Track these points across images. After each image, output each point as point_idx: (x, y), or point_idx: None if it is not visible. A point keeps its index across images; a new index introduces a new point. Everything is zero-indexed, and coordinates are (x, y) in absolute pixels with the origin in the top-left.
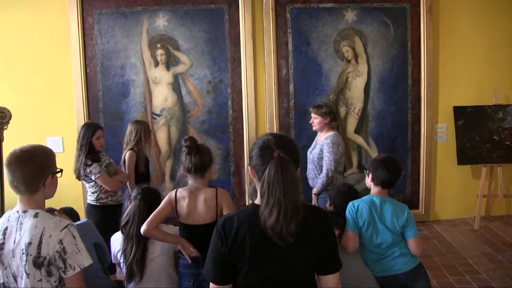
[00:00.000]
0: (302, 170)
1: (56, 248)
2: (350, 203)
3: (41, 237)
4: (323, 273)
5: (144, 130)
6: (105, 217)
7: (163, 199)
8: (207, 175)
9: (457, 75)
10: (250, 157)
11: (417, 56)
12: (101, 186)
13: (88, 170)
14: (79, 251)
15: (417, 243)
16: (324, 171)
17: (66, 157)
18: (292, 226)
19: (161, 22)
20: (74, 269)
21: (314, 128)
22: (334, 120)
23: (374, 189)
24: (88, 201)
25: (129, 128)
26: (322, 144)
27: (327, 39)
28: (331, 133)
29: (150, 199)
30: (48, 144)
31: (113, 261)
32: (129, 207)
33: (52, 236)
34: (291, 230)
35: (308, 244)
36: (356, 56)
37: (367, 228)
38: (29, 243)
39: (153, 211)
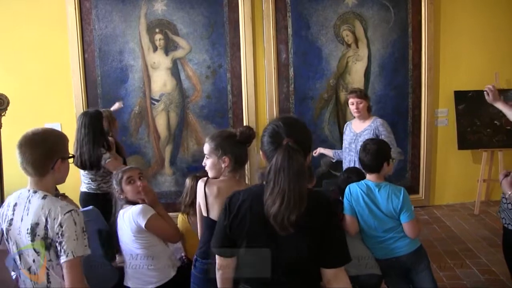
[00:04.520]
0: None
1: (56, 230)
2: (347, 188)
3: (47, 219)
4: (322, 265)
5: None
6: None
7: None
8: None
9: (458, 59)
10: (262, 142)
11: (417, 40)
12: (105, 174)
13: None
14: (77, 239)
15: (412, 226)
16: (397, 150)
17: None
18: (293, 216)
19: (159, 6)
20: (67, 255)
21: (359, 115)
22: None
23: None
24: (86, 190)
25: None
26: (373, 128)
27: (327, 23)
28: (372, 117)
29: None
30: None
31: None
32: None
33: (56, 219)
34: (292, 220)
35: (307, 231)
36: (356, 40)
37: (363, 212)
38: (37, 224)
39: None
